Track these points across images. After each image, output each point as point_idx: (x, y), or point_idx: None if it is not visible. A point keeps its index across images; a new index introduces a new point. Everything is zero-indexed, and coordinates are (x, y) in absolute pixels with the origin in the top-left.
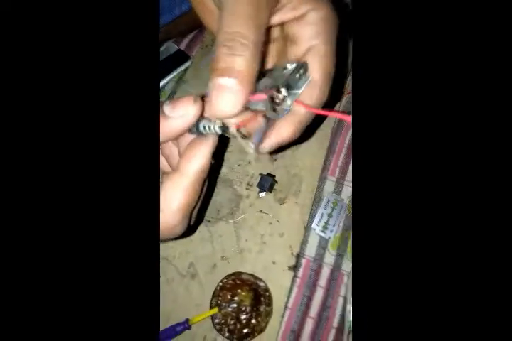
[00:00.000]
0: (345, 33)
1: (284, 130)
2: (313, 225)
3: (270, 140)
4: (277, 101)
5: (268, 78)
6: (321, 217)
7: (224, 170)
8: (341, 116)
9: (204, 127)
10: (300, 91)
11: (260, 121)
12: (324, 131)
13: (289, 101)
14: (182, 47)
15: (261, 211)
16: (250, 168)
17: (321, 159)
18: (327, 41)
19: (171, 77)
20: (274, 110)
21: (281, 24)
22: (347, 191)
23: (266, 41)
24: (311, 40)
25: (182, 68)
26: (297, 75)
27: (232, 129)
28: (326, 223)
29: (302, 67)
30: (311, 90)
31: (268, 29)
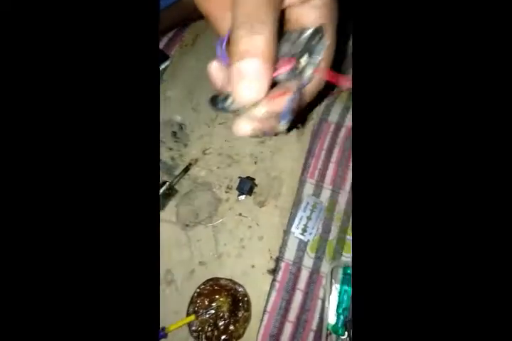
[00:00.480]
0: (345, 21)
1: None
2: (293, 228)
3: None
4: (298, 71)
5: (285, 43)
6: (300, 219)
7: (203, 172)
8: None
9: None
10: (319, 58)
11: (289, 94)
12: (305, 134)
13: (309, 70)
14: (161, 46)
15: (240, 214)
16: (230, 170)
17: (301, 162)
18: (330, 24)
19: None
20: (297, 79)
21: (284, 8)
22: (326, 193)
23: (280, 24)
24: (315, 22)
25: (161, 68)
26: (314, 41)
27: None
28: (305, 226)
29: (319, 31)
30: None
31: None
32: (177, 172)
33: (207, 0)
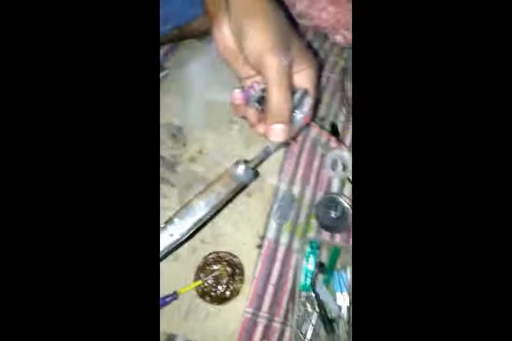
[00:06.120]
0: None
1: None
2: (273, 214)
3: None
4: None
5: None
6: (278, 207)
7: (201, 168)
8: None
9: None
10: (307, 109)
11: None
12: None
13: (300, 118)
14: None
15: (234, 203)
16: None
17: (279, 164)
18: (312, 85)
19: None
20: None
21: None
22: (297, 188)
23: None
24: (303, 85)
25: (161, 75)
26: (303, 99)
27: None
28: (282, 212)
29: (306, 92)
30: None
31: None
32: (178, 168)
33: (227, 51)
